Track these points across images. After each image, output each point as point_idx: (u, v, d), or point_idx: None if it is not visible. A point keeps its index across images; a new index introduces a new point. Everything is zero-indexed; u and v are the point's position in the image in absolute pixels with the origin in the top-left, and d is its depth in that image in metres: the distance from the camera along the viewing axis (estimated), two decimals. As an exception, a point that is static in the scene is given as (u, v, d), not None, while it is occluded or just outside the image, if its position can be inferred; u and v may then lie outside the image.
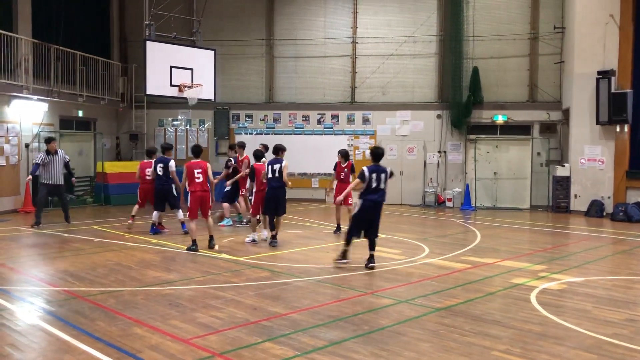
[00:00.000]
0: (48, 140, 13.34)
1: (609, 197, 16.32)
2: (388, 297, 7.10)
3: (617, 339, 5.58)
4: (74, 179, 13.97)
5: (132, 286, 7.56)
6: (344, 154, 12.83)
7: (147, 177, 12.34)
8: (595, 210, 16.25)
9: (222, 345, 5.30)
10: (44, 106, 17.01)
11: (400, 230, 13.07)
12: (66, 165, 13.28)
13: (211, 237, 10.33)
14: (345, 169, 12.66)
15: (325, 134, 20.42)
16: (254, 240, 10.98)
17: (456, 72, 18.97)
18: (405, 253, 10.18)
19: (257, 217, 11.30)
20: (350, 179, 12.08)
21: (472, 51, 19.05)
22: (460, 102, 18.93)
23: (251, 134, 20.87)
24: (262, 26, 20.95)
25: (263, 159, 11.39)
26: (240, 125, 21.03)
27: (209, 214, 10.43)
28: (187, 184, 10.10)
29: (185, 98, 16.23)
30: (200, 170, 10.08)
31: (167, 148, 12.58)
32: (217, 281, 7.85)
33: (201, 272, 8.43)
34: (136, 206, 12.55)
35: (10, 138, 16.10)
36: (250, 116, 21.01)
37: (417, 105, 19.75)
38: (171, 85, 16.02)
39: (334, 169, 12.86)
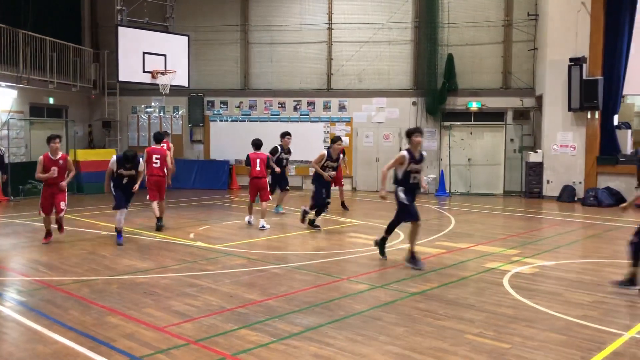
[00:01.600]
0: None
1: (580, 183, 16.62)
2: (364, 282, 7.15)
3: (587, 321, 5.71)
4: (4, 176, 12.59)
5: (106, 275, 7.48)
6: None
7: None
8: (567, 195, 16.55)
9: (198, 332, 5.29)
10: (13, 93, 16.63)
11: (376, 217, 13.13)
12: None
13: (159, 219, 11.04)
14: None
15: (301, 121, 20.36)
16: (249, 222, 11.76)
17: (431, 59, 19.05)
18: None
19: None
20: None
21: (447, 38, 19.13)
22: (435, 89, 19.03)
23: (226, 121, 20.71)
24: (237, 12, 20.73)
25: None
26: (215, 112, 20.85)
27: (164, 197, 11.25)
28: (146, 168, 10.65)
29: (159, 85, 16.02)
30: (158, 156, 11.01)
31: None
32: (192, 269, 7.81)
33: (176, 261, 8.38)
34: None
35: (-22, 125, 15.72)
36: (225, 103, 20.83)
37: (392, 92, 19.80)
38: (144, 71, 15.81)
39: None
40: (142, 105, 21.05)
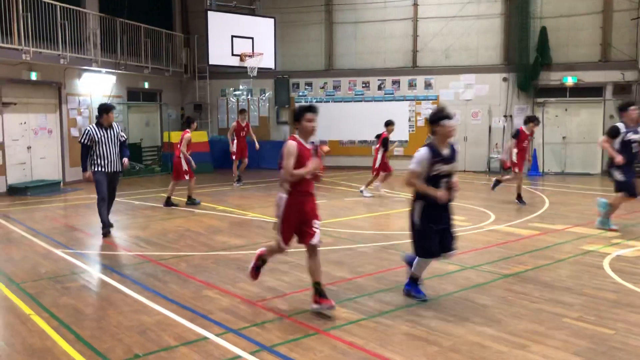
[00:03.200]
0: (106, 109, 8.86)
1: (689, 161, 15.38)
2: (454, 263, 7.02)
3: (700, 309, 5.32)
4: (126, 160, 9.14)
5: (202, 251, 7.81)
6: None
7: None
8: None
9: (290, 307, 5.42)
10: (112, 79, 17.59)
11: (464, 197, 12.79)
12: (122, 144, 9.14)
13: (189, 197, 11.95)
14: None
15: (385, 100, 20.15)
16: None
17: (523, 32, 18.19)
18: (470, 220, 10.01)
19: None
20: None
21: (539, 10, 18.17)
22: (527, 64, 18.18)
23: (311, 101, 20.86)
24: (321, -9, 20.71)
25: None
26: (301, 93, 21.05)
27: (180, 178, 11.75)
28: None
29: (247, 67, 16.36)
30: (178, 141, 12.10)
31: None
32: (282, 247, 7.98)
33: (267, 238, 8.59)
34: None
35: (82, 110, 16.80)
36: (310, 84, 20.98)
37: (481, 69, 19.12)
38: (232, 54, 16.18)
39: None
40: (231, 88, 21.63)
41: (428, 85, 19.79)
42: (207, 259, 7.37)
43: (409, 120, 19.86)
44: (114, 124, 8.97)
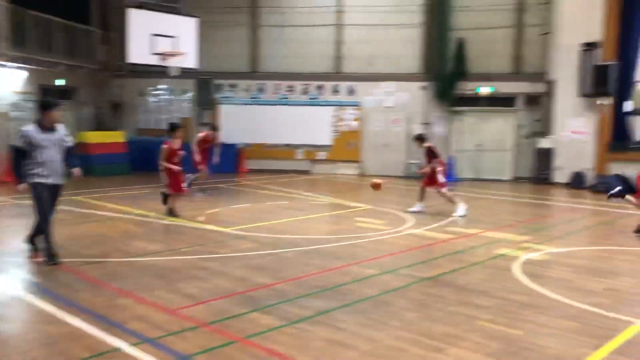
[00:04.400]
0: (48, 106, 7.06)
1: (590, 169, 16.50)
2: (373, 267, 7.14)
3: (598, 308, 5.68)
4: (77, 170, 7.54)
5: (117, 257, 7.50)
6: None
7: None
8: (577, 182, 16.45)
9: (209, 315, 5.30)
10: (23, 74, 16.61)
11: (385, 202, 13.11)
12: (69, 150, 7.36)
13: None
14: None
15: (310, 105, 20.27)
16: None
17: (441, 43, 18.87)
18: (390, 224, 10.22)
19: None
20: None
21: (457, 22, 18.90)
22: (445, 73, 18.87)
23: (235, 104, 20.63)
24: (246, -7, 20.55)
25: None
26: (224, 95, 20.77)
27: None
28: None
29: (168, 67, 15.94)
30: None
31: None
32: (202, 252, 7.82)
33: (186, 243, 8.39)
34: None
35: (-13, 107, 15.73)
36: (234, 86, 20.75)
37: (402, 77, 19.64)
38: (153, 53, 15.70)
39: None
40: (151, 88, 21.01)
41: (351, 92, 20.09)
42: (122, 266, 7.08)
43: (333, 125, 20.04)
44: (59, 126, 7.09)
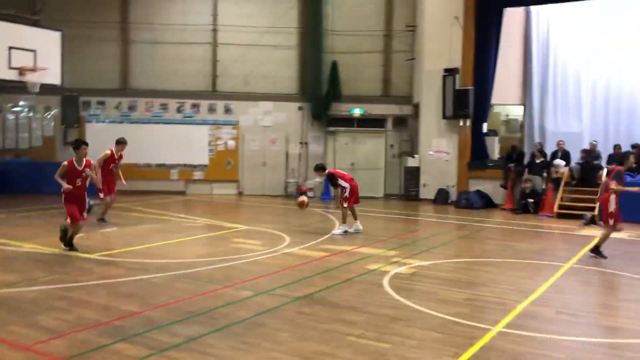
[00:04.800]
0: None
1: (453, 186, 17.70)
2: (248, 289, 7.07)
3: (460, 317, 6.04)
4: None
5: (-38, 291, 6.76)
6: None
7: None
8: (441, 198, 17.54)
9: (69, 349, 4.92)
10: None
11: (262, 221, 13.09)
12: None
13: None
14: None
15: (185, 124, 19.83)
16: None
17: (316, 65, 19.40)
18: (266, 244, 10.20)
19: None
20: None
21: (331, 45, 19.55)
22: (320, 94, 19.39)
23: (104, 122, 19.66)
24: (115, 8, 19.77)
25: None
26: (92, 112, 19.72)
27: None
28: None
29: (27, 83, 14.83)
30: None
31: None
32: (64, 281, 7.28)
33: (46, 272, 7.77)
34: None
35: None
36: (102, 103, 19.78)
37: (279, 97, 19.88)
38: (10, 67, 14.54)
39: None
40: (9, 104, 19.41)
41: (228, 111, 19.96)
42: (-31, 300, 6.39)
43: (209, 144, 19.75)
44: None
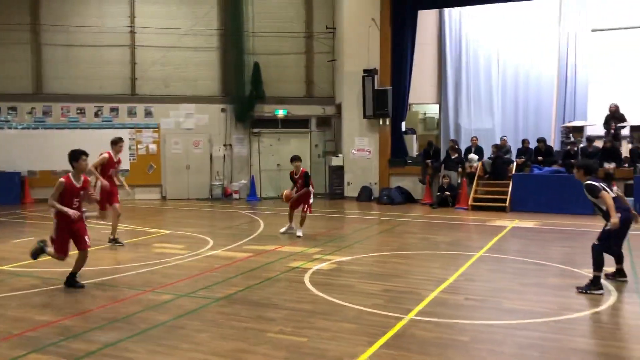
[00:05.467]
0: None
1: (375, 183, 18.21)
2: (168, 293, 7.07)
3: (375, 308, 6.33)
4: None
5: None
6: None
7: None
8: (364, 195, 18.01)
9: (-22, 364, 4.80)
10: None
11: (185, 225, 13.00)
12: None
13: None
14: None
15: (104, 128, 19.30)
16: None
17: (238, 66, 19.41)
18: (189, 247, 10.18)
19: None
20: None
21: (252, 47, 19.60)
22: (244, 96, 19.41)
23: (16, 128, 18.82)
24: (25, 9, 18.96)
25: None
26: (3, 119, 18.83)
27: None
28: None
29: None
30: None
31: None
32: (-27, 295, 7.01)
33: (-46, 287, 7.45)
34: None
35: None
36: (14, 109, 18.93)
37: (201, 99, 19.72)
38: None
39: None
40: None
41: (148, 114, 19.61)
42: None
43: (130, 148, 19.32)
44: None
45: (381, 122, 18.16)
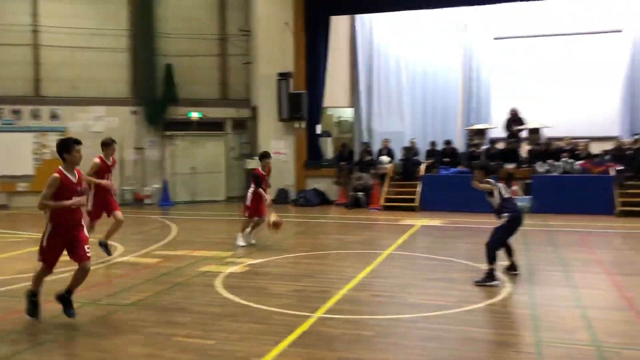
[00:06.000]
0: None
1: (292, 185, 18.35)
2: (74, 301, 6.82)
3: (284, 308, 6.43)
4: None
5: None
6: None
7: None
8: (281, 197, 18.10)
9: None
10: None
11: (95, 231, 12.53)
12: None
13: None
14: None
15: (5, 131, 18.24)
16: None
17: (149, 68, 18.92)
18: (98, 254, 9.78)
19: None
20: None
21: (165, 48, 19.18)
22: (155, 98, 18.97)
23: None
24: None
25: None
26: None
27: None
28: None
29: None
30: None
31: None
32: None
33: None
34: None
35: None
36: None
37: (111, 101, 19.06)
38: None
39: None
40: None
41: (54, 117, 18.73)
42: None
43: (34, 153, 18.40)
44: None
45: (297, 125, 18.34)
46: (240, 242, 10.47)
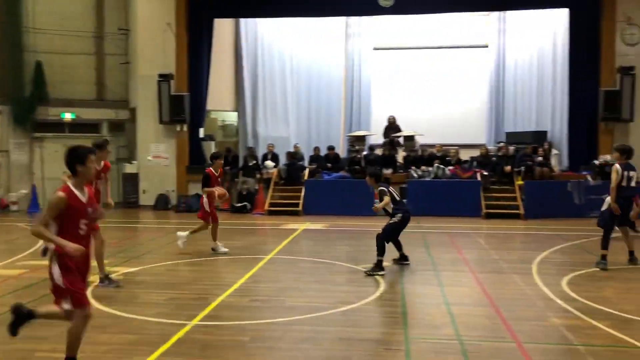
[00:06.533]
0: None
1: (173, 191, 17.85)
2: None
3: (160, 317, 6.24)
4: None
5: None
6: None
7: None
8: (161, 203, 17.55)
9: None
10: None
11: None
12: None
13: None
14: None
15: None
16: None
17: (15, 65, 17.59)
18: (-50, 267, 8.97)
19: None
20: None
21: (34, 44, 17.92)
22: (23, 97, 17.66)
23: None
24: None
25: None
26: None
27: None
28: None
29: None
30: None
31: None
32: None
33: None
34: None
35: None
36: None
37: (-28, 99, 17.48)
38: None
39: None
40: None
41: None
42: None
43: None
44: None
45: (178, 128, 17.88)
46: (222, 249, 10.16)
